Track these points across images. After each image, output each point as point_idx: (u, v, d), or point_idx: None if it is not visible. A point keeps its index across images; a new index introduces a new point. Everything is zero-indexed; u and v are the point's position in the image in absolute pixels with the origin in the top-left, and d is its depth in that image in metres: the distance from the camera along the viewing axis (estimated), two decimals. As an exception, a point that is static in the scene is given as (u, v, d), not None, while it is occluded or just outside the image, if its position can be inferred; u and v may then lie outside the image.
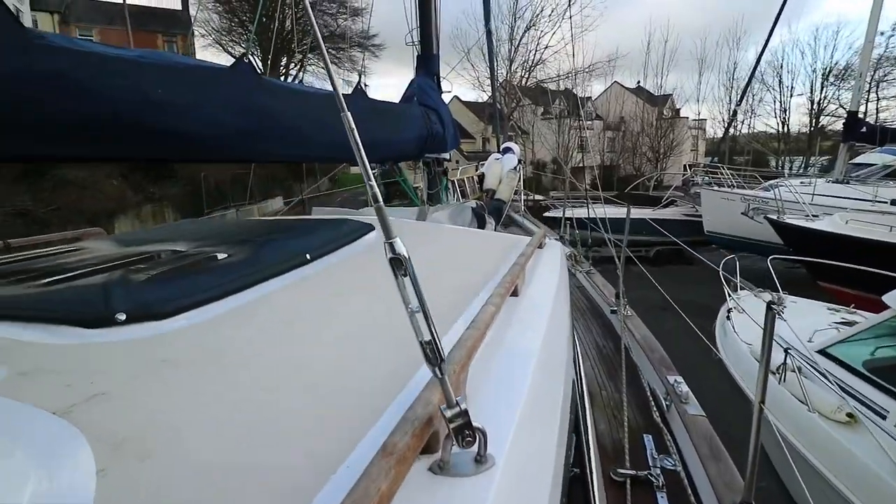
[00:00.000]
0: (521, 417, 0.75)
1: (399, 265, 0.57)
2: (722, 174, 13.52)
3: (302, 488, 0.55)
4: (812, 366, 3.28)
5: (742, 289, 5.19)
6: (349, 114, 0.59)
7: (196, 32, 22.88)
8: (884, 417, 2.84)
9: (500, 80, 25.27)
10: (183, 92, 1.43)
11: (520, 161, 6.57)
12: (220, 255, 1.30)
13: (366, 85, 2.72)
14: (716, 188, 12.97)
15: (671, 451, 2.47)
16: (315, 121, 1.86)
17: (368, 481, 0.48)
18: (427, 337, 0.58)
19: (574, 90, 26.13)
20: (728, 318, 4.70)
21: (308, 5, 0.66)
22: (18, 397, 0.70)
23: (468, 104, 33.12)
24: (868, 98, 26.32)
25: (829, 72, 30.15)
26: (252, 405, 0.74)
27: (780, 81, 31.53)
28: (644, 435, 2.66)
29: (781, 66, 31.17)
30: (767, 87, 31.82)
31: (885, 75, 27.37)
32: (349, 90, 2.56)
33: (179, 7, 27.10)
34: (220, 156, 1.78)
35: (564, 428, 1.01)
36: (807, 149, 30.67)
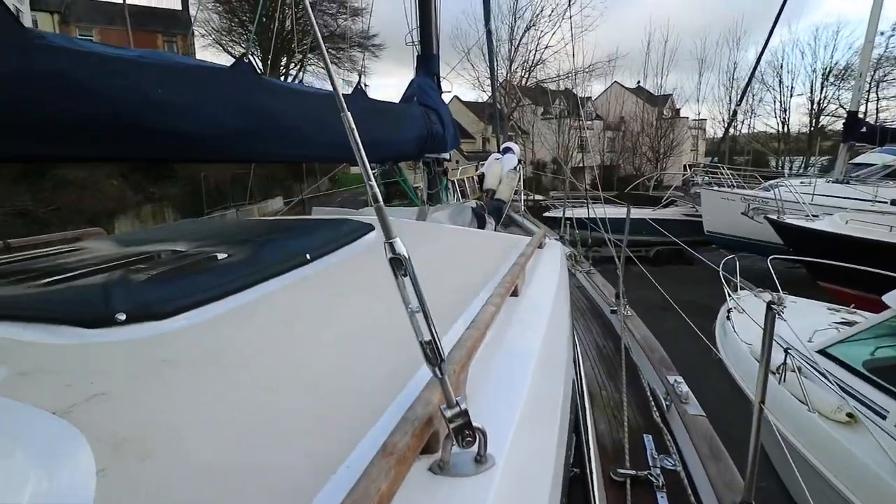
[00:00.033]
0: (521, 417, 0.75)
1: (399, 265, 0.57)
2: (722, 174, 13.52)
3: (302, 488, 0.55)
4: (812, 366, 3.28)
5: (742, 289, 5.19)
6: (349, 114, 0.59)
7: (196, 32, 22.87)
8: (884, 417, 2.84)
9: (500, 80, 25.28)
10: (183, 92, 1.43)
11: (520, 161, 6.57)
12: (220, 255, 1.30)
13: (366, 85, 2.73)
14: (716, 188, 12.97)
15: (671, 451, 2.47)
16: (315, 121, 1.86)
17: (368, 481, 0.48)
18: (427, 337, 0.58)
19: (574, 90, 26.16)
20: (728, 318, 4.70)
21: (308, 5, 0.66)
22: (18, 397, 0.70)
23: (468, 104, 33.12)
24: (868, 98, 26.35)
25: (829, 72, 30.19)
26: (252, 405, 0.74)
27: (780, 81, 31.58)
28: (644, 435, 2.66)
29: (781, 66, 31.22)
30: (767, 87, 31.88)
31: (885, 75, 27.40)
32: (349, 90, 2.56)
33: (179, 7, 27.10)
34: (220, 156, 1.78)
35: (564, 428, 1.01)
36: (807, 149, 30.68)
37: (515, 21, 27.48)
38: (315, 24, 0.69)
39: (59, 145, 1.26)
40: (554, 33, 26.95)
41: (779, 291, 4.27)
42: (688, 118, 35.01)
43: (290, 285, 1.26)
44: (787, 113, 32.02)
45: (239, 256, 1.30)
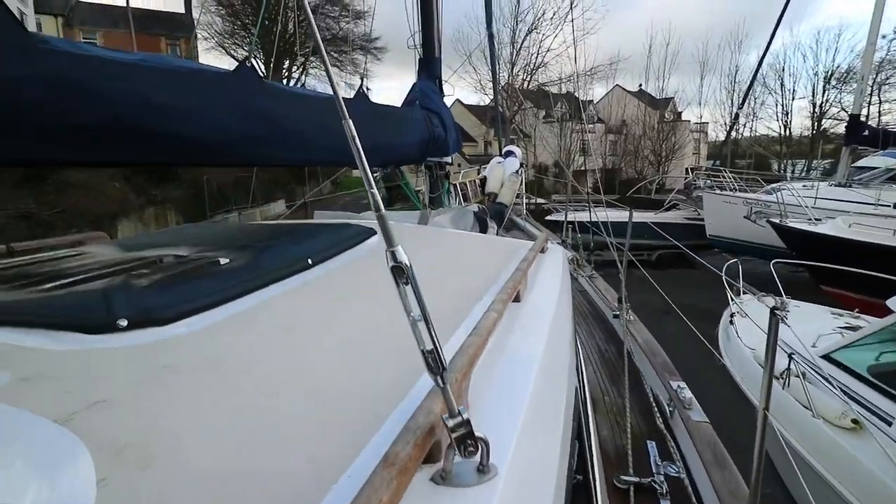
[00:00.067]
0: (524, 425, 0.74)
1: (401, 273, 0.57)
2: (724, 177, 13.51)
3: (303, 497, 0.55)
4: (816, 371, 3.26)
5: (745, 293, 5.17)
6: (351, 122, 0.59)
7: (199, 36, 23.01)
8: (889, 423, 2.82)
9: (502, 84, 25.33)
10: (185, 96, 1.43)
11: (522, 164, 6.57)
12: (222, 260, 1.30)
13: (368, 88, 2.73)
14: (718, 192, 12.96)
15: (675, 457, 2.45)
16: (317, 125, 1.86)
17: (371, 492, 0.48)
18: (429, 346, 0.57)
19: (576, 93, 26.13)
20: (731, 322, 4.68)
21: (309, 13, 0.65)
22: (19, 404, 0.70)
23: (470, 107, 33.20)
24: (870, 101, 26.29)
25: (831, 75, 30.17)
26: (253, 412, 0.73)
27: (782, 84, 31.58)
28: (647, 441, 2.65)
29: (783, 69, 31.23)
30: (769, 91, 31.87)
31: (888, 78, 27.37)
32: (351, 93, 2.56)
33: (183, 10, 27.25)
34: (222, 160, 1.79)
35: (567, 435, 1.00)
36: (809, 152, 30.64)
37: (517, 24, 27.60)
38: (316, 32, 0.69)
39: (63, 149, 1.26)
40: (556, 36, 27.08)
41: (782, 296, 4.25)
42: (689, 121, 35.05)
43: (292, 290, 1.26)
44: (789, 116, 32.05)
45: (241, 261, 1.29)
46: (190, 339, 0.96)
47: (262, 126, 1.70)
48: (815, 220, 9.26)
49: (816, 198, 10.66)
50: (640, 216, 9.92)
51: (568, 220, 7.61)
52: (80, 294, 1.07)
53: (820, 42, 36.81)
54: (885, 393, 2.99)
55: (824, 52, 31.92)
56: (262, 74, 1.85)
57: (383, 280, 0.59)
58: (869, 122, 17.57)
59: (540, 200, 18.31)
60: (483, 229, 3.79)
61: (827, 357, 3.44)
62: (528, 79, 28.90)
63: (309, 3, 0.68)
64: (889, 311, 3.35)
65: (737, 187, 13.23)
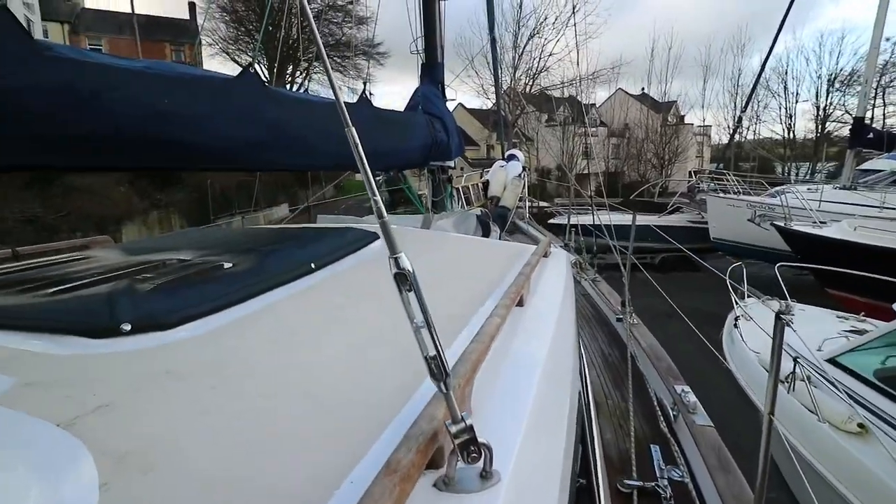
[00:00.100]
0: (527, 430, 0.74)
1: (404, 280, 0.57)
2: (727, 181, 13.46)
3: (306, 503, 0.55)
4: (821, 375, 3.24)
5: (749, 296, 5.15)
6: (354, 129, 0.59)
7: (203, 41, 23.17)
8: (895, 428, 2.80)
9: (505, 88, 25.38)
10: (189, 102, 1.44)
11: (524, 168, 6.59)
12: (226, 265, 1.30)
13: (371, 93, 2.74)
14: (721, 195, 12.91)
15: (679, 462, 2.44)
16: (321, 130, 1.87)
17: (373, 499, 0.48)
18: (432, 352, 0.57)
19: (578, 97, 26.20)
20: (735, 326, 4.65)
21: (311, 20, 0.66)
22: (23, 408, 0.70)
23: (472, 111, 33.29)
24: (874, 104, 26.19)
25: (835, 78, 30.12)
26: (256, 417, 0.73)
27: (786, 87, 31.60)
28: (651, 445, 2.63)
29: (786, 73, 31.23)
30: (772, 94, 31.89)
31: (892, 81, 27.33)
32: (354, 98, 2.57)
33: (187, 17, 27.47)
34: (225, 165, 1.79)
35: (571, 439, 1.00)
36: (813, 155, 30.56)
37: (519, 29, 27.69)
38: (319, 39, 0.69)
39: (68, 155, 1.27)
40: (558, 41, 27.15)
41: (787, 299, 4.22)
42: (692, 125, 35.00)
43: (295, 295, 1.26)
44: (793, 119, 32.05)
45: (244, 265, 1.30)
46: (193, 343, 0.96)
47: (266, 131, 1.70)
48: (820, 223, 9.21)
49: (821, 201, 10.61)
50: (644, 219, 9.91)
51: (571, 223, 7.60)
52: (83, 298, 1.07)
53: (823, 45, 36.97)
54: (891, 397, 2.97)
55: (828, 55, 31.84)
56: (265, 80, 1.86)
57: (386, 285, 0.59)
58: (873, 125, 17.51)
59: (543, 204, 18.28)
60: (486, 233, 3.79)
61: (832, 361, 3.41)
62: (530, 83, 28.97)
63: (312, 10, 0.69)
64: (895, 315, 3.33)
65: (740, 190, 13.18)
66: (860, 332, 3.87)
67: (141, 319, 0.95)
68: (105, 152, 1.32)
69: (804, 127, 33.57)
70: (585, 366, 2.53)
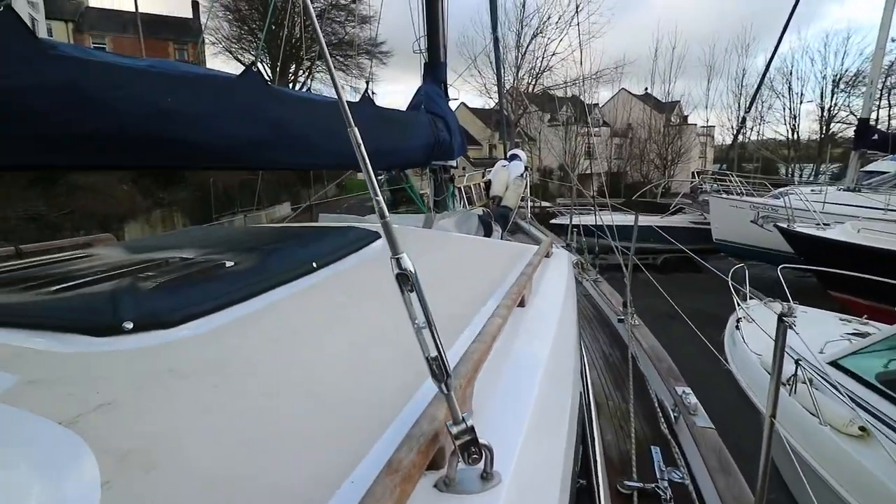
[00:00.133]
0: (528, 431, 0.74)
1: (406, 281, 0.57)
2: (731, 181, 13.42)
3: (307, 503, 0.55)
4: (823, 378, 3.23)
5: (751, 298, 5.13)
6: (356, 129, 0.59)
7: (206, 40, 23.21)
8: (897, 431, 2.79)
9: (507, 87, 25.38)
10: (192, 101, 1.44)
11: (526, 168, 6.58)
12: (228, 263, 1.31)
13: (373, 92, 2.74)
14: (724, 196, 12.87)
15: (679, 463, 2.43)
16: (323, 129, 1.87)
17: (374, 499, 0.48)
18: (433, 353, 0.57)
19: (581, 97, 26.15)
20: (737, 327, 4.64)
21: (314, 19, 0.66)
22: (25, 406, 0.70)
23: (475, 111, 33.27)
24: (879, 105, 26.07)
25: (840, 78, 29.97)
26: (258, 416, 0.73)
27: (790, 88, 31.42)
28: (651, 447, 2.63)
29: (791, 73, 31.08)
30: (777, 94, 31.71)
31: (898, 82, 27.12)
32: (357, 97, 2.57)
33: (190, 15, 27.52)
34: (227, 164, 1.80)
35: (572, 440, 1.00)
36: (817, 156, 30.46)
37: (522, 28, 27.72)
38: (322, 38, 0.69)
39: (72, 154, 1.27)
40: (561, 40, 27.17)
41: (789, 301, 4.21)
42: (696, 125, 34.92)
43: (297, 294, 1.26)
44: (797, 120, 31.88)
45: (246, 264, 1.30)
46: (195, 341, 0.96)
47: (269, 130, 1.71)
48: (824, 224, 9.17)
49: (825, 202, 10.57)
50: (646, 220, 9.90)
51: (573, 223, 7.59)
52: (86, 296, 1.08)
53: (828, 45, 36.68)
54: (893, 400, 2.96)
55: (833, 55, 31.79)
56: (268, 79, 1.86)
57: (388, 284, 0.59)
58: (878, 127, 17.42)
59: (545, 204, 18.26)
60: (487, 233, 3.79)
61: (834, 364, 3.40)
62: (533, 82, 28.96)
63: (315, 8, 0.69)
64: (898, 318, 3.32)
65: (744, 191, 13.14)
66: (863, 335, 3.85)
67: (143, 318, 0.95)
68: (108, 151, 1.32)
69: (808, 128, 33.63)
70: (586, 366, 2.53)
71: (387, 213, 0.59)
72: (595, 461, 1.46)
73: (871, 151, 12.71)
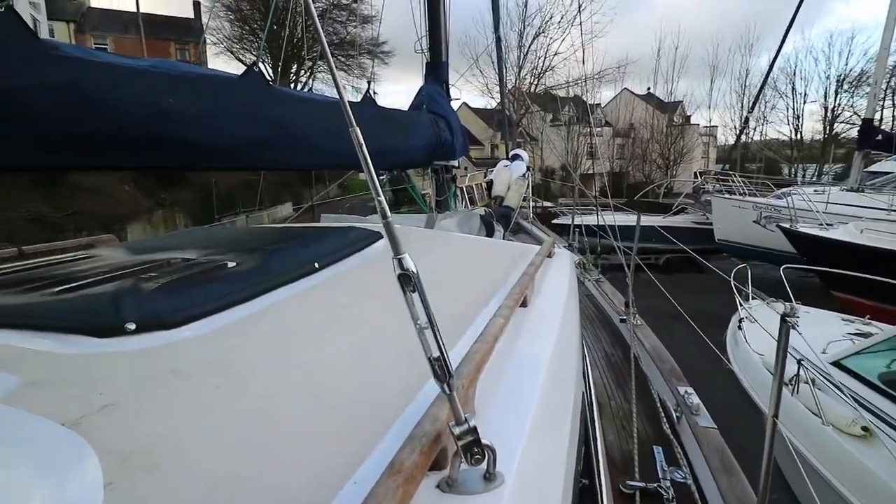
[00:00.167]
0: (531, 431, 0.74)
1: (408, 281, 0.57)
2: (733, 182, 13.38)
3: (310, 503, 0.55)
4: (826, 378, 3.22)
5: (754, 298, 5.12)
6: (358, 129, 0.59)
7: (208, 40, 23.23)
8: (900, 431, 2.78)
9: (509, 87, 25.35)
10: (193, 101, 1.45)
11: (528, 168, 6.58)
12: (230, 264, 1.31)
13: (375, 92, 2.74)
14: (727, 196, 12.84)
15: (681, 463, 2.43)
16: (324, 129, 1.87)
17: (377, 500, 0.48)
18: (436, 353, 0.57)
19: (583, 96, 26.11)
20: (739, 327, 4.63)
21: (316, 19, 0.66)
22: (29, 407, 0.71)
23: (477, 111, 33.24)
24: (883, 105, 25.93)
25: (844, 79, 29.86)
26: (260, 417, 0.73)
27: (793, 88, 31.28)
28: (654, 447, 2.63)
29: (794, 73, 30.95)
30: (780, 94, 31.59)
31: (902, 82, 26.98)
32: (359, 97, 2.57)
33: (192, 15, 27.56)
34: (229, 164, 1.80)
35: (574, 440, 1.00)
36: (820, 156, 30.33)
37: (525, 28, 27.67)
38: (323, 38, 0.69)
39: (73, 154, 1.27)
40: (563, 40, 27.13)
41: (791, 301, 4.20)
42: (699, 125, 34.82)
43: (299, 294, 1.26)
44: (800, 120, 31.75)
45: (248, 265, 1.30)
46: (197, 342, 0.96)
47: (270, 130, 1.71)
48: (827, 225, 9.14)
49: (828, 203, 10.52)
50: (648, 220, 9.86)
51: (575, 223, 7.59)
52: (89, 297, 1.08)
53: (832, 45, 36.44)
54: (896, 401, 2.95)
55: (837, 55, 31.54)
56: (269, 79, 1.87)
57: (390, 284, 0.59)
58: (882, 127, 17.37)
59: (547, 204, 18.26)
60: (490, 233, 3.80)
61: (837, 364, 3.39)
62: (535, 82, 28.93)
63: (316, 8, 0.69)
64: (901, 318, 3.31)
65: (746, 192, 13.10)
66: (865, 335, 3.84)
67: (146, 318, 0.95)
68: (109, 151, 1.32)
69: (812, 128, 33.34)
70: (588, 366, 2.52)
71: (389, 213, 0.59)
72: (597, 461, 1.46)
73: (875, 152, 12.65)
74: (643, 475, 2.32)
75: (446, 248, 2.15)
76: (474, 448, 0.58)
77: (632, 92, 34.89)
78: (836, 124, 30.58)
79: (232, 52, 25.20)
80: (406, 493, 0.51)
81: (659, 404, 2.95)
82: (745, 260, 7.31)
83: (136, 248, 1.83)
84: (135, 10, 18.94)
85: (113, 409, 0.72)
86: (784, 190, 12.73)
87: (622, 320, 4.40)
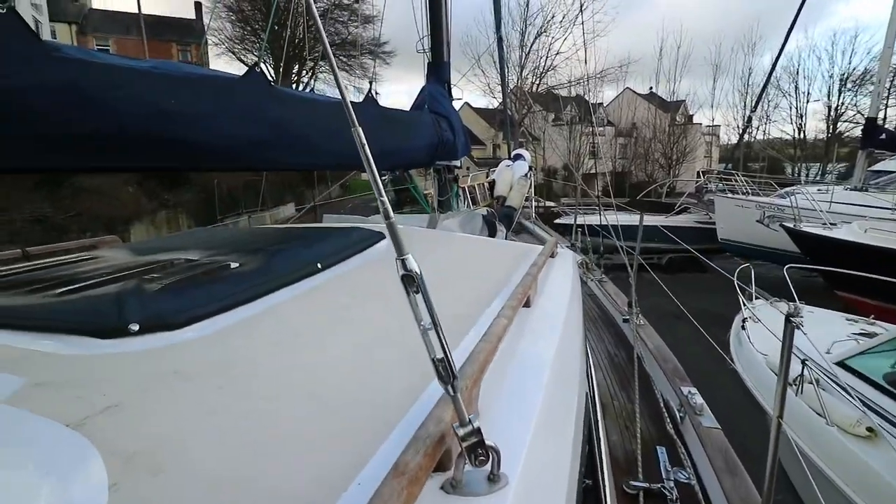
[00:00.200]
0: (535, 432, 0.74)
1: (411, 282, 0.56)
2: (736, 181, 13.35)
3: None
4: (830, 378, 3.21)
5: (757, 298, 5.11)
6: (360, 129, 0.59)
7: (209, 41, 23.29)
8: (905, 432, 2.76)
9: (511, 87, 25.35)
10: (195, 102, 1.45)
11: (530, 168, 6.57)
12: (233, 264, 1.31)
13: (376, 93, 2.74)
14: (730, 195, 12.81)
15: (685, 463, 2.43)
16: (326, 129, 1.87)
17: (381, 501, 0.48)
18: (439, 354, 0.57)
19: (585, 96, 26.08)
20: (743, 327, 4.62)
21: (317, 19, 0.66)
22: (33, 408, 0.71)
23: (479, 111, 33.24)
24: (887, 104, 25.80)
25: (847, 77, 29.76)
26: (263, 418, 0.73)
27: (797, 87, 31.21)
28: (657, 447, 2.62)
29: (797, 72, 30.86)
30: (783, 93, 31.51)
31: (905, 81, 26.86)
32: (360, 97, 2.57)
33: (193, 16, 27.63)
34: (231, 165, 1.80)
35: (578, 441, 1.00)
36: (824, 155, 30.22)
37: (526, 27, 27.66)
38: (325, 38, 0.69)
39: (75, 155, 1.28)
40: (565, 39, 27.11)
41: (795, 301, 4.18)
42: (701, 124, 34.74)
43: (301, 295, 1.26)
44: (804, 119, 31.68)
45: (251, 265, 1.30)
46: (200, 343, 0.96)
47: (272, 131, 1.71)
48: (830, 224, 9.11)
49: (831, 202, 10.49)
50: (651, 220, 9.82)
51: (577, 223, 7.58)
52: (92, 298, 1.08)
53: (836, 44, 36.40)
54: (901, 401, 2.94)
55: (840, 54, 31.32)
56: (271, 79, 1.87)
57: (393, 285, 0.58)
58: (886, 126, 17.27)
59: (549, 204, 18.25)
60: (492, 233, 3.79)
61: (841, 364, 3.38)
62: (537, 82, 28.91)
63: (318, 9, 0.69)
64: (906, 318, 3.29)
65: (749, 191, 13.07)
66: (870, 335, 3.83)
67: (149, 319, 0.95)
68: (111, 152, 1.32)
69: (815, 127, 33.30)
70: (592, 367, 2.52)
71: (391, 213, 0.59)
72: (601, 461, 1.45)
73: (879, 151, 12.60)
74: (647, 475, 2.31)
75: (449, 248, 2.15)
76: (478, 449, 0.58)
77: (634, 91, 34.84)
78: (839, 123, 30.53)
79: (234, 53, 25.27)
80: (410, 494, 0.51)
81: (662, 404, 2.95)
82: (748, 259, 7.29)
83: (139, 249, 1.83)
84: (136, 11, 19.00)
85: (116, 410, 0.72)
86: (787, 189, 12.71)
87: (625, 320, 4.40)
